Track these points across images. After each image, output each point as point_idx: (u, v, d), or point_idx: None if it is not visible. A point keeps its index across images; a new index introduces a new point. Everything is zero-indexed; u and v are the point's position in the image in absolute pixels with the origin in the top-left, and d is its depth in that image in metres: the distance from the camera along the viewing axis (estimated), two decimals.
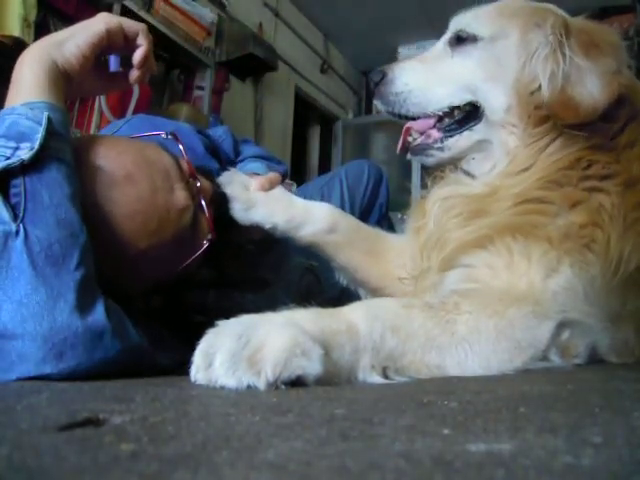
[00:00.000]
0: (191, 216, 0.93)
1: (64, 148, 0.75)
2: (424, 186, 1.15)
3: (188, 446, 0.32)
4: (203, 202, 0.97)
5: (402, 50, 5.23)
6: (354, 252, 1.14)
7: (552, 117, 0.90)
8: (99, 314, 0.70)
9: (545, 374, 0.74)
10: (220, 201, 1.05)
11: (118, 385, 0.64)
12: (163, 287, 0.98)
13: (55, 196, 0.70)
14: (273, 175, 1.18)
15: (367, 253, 1.15)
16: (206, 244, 0.97)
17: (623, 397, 0.56)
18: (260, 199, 1.10)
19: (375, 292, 1.16)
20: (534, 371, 0.75)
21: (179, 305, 1.04)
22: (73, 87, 0.84)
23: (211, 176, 1.08)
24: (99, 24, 0.84)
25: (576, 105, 0.86)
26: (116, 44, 0.87)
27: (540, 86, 0.91)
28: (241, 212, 1.08)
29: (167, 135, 1.02)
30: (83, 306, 0.68)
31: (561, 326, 0.79)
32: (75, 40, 0.82)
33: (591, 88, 0.86)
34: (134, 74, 0.91)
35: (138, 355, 0.78)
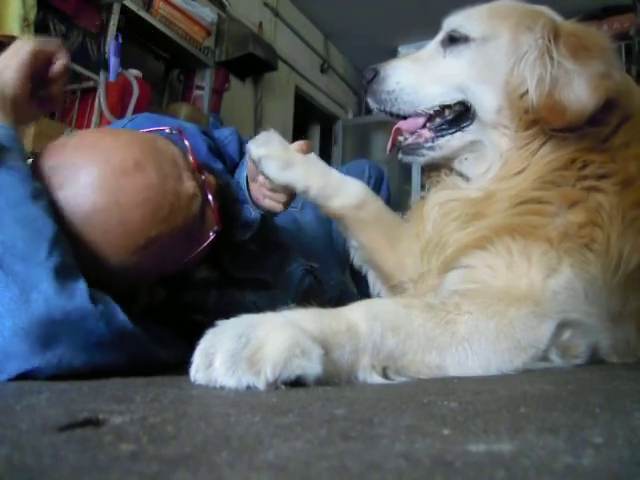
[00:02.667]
0: (199, 206, 0.93)
1: (13, 157, 0.77)
2: (424, 186, 1.15)
3: (188, 446, 0.32)
4: (209, 195, 0.98)
5: (402, 50, 5.24)
6: (376, 234, 1.14)
7: (540, 121, 0.90)
8: (78, 298, 0.71)
9: (545, 374, 0.74)
10: (224, 195, 1.05)
11: (118, 385, 0.64)
12: (168, 281, 0.98)
13: (11, 198, 0.72)
14: (308, 141, 1.18)
15: (387, 237, 1.15)
16: (212, 235, 0.97)
17: (624, 397, 0.55)
18: (298, 160, 1.09)
19: (387, 278, 1.16)
20: (534, 371, 0.75)
21: (179, 304, 1.04)
22: (19, 111, 0.86)
23: (214, 172, 1.08)
24: (23, 48, 0.85)
25: (563, 109, 0.86)
26: (43, 62, 0.89)
27: (528, 90, 0.91)
28: (277, 170, 1.07)
29: (172, 130, 1.03)
30: (59, 293, 0.69)
31: (562, 326, 0.79)
32: (10, 68, 0.84)
33: (579, 92, 0.85)
34: (55, 87, 0.93)
35: (134, 343, 0.78)
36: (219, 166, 1.29)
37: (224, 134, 1.48)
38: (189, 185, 0.91)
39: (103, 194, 0.80)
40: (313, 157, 1.13)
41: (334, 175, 1.12)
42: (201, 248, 0.96)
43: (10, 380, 0.67)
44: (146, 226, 0.83)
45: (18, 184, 0.74)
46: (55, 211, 0.77)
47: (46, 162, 0.83)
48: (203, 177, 0.98)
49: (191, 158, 0.97)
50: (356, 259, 1.21)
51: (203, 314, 1.01)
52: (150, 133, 0.98)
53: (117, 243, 0.81)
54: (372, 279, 1.21)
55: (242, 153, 1.48)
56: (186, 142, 1.00)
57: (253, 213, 1.25)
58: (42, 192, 0.77)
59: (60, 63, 0.91)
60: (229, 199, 1.09)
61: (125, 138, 0.88)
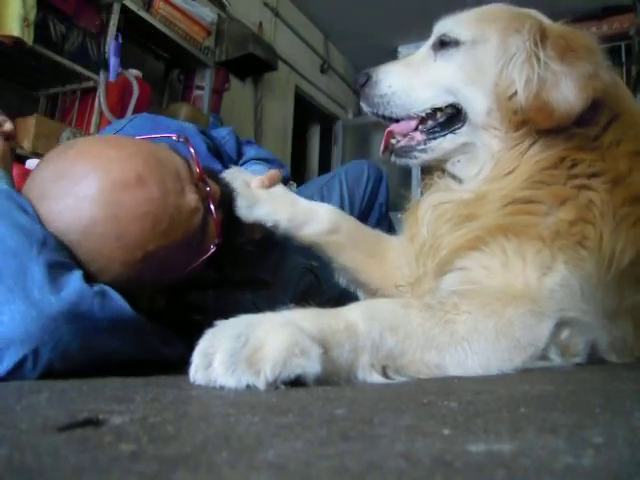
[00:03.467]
0: (201, 219, 0.93)
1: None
2: (421, 187, 1.16)
3: (188, 446, 0.32)
4: (212, 206, 0.97)
5: (402, 50, 5.24)
6: (355, 253, 1.14)
7: (527, 121, 0.91)
8: (72, 282, 0.72)
9: (545, 374, 0.74)
10: (228, 203, 1.06)
11: (118, 385, 0.64)
12: (167, 288, 0.98)
13: None
14: (273, 172, 1.17)
15: (368, 255, 1.15)
16: (213, 249, 0.97)
17: (624, 397, 0.55)
18: (263, 196, 1.10)
19: (375, 294, 1.16)
20: (534, 371, 0.75)
21: (178, 304, 1.04)
22: None
23: (218, 178, 1.08)
24: None
25: (551, 110, 0.87)
26: None
27: (517, 91, 0.92)
28: (244, 209, 1.08)
29: (179, 138, 1.02)
30: (52, 282, 0.71)
31: (560, 325, 0.79)
32: None
33: (566, 92, 0.86)
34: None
35: (133, 331, 0.79)
36: (218, 167, 1.29)
37: (221, 134, 1.48)
38: (191, 198, 0.90)
39: (102, 207, 0.80)
40: (278, 190, 1.13)
41: (302, 204, 1.12)
42: (201, 260, 0.96)
43: (10, 371, 0.68)
44: (145, 240, 0.83)
45: (4, 201, 0.77)
46: (52, 219, 0.78)
47: (47, 169, 0.83)
48: (208, 188, 0.97)
49: (196, 168, 0.97)
50: (341, 280, 1.21)
51: (203, 314, 1.01)
52: (155, 142, 0.97)
53: (114, 256, 0.81)
54: (362, 297, 1.22)
55: (240, 152, 1.48)
56: (191, 150, 0.99)
57: None
58: (28, 206, 0.79)
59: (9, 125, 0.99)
60: (229, 205, 1.09)
61: (128, 150, 0.87)
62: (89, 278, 0.77)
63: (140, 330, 0.81)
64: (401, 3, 4.65)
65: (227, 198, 1.06)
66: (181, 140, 1.02)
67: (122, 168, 0.83)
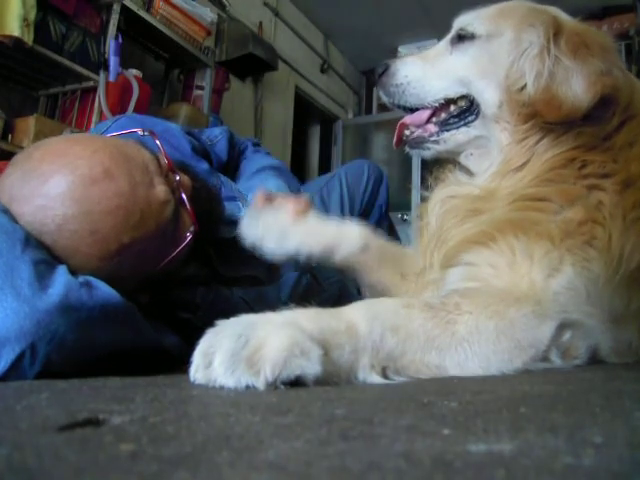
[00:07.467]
0: (172, 210, 0.94)
1: None
2: (424, 186, 1.16)
3: (188, 446, 0.32)
4: (184, 196, 0.98)
5: (402, 50, 5.24)
6: (385, 271, 1.14)
7: (535, 114, 0.92)
8: (59, 276, 0.74)
9: (545, 374, 0.74)
10: (201, 195, 1.06)
11: (118, 385, 0.64)
12: (151, 283, 0.99)
13: None
14: (301, 201, 1.14)
15: (397, 272, 1.15)
16: (189, 236, 0.98)
17: (624, 397, 0.55)
18: (293, 230, 1.08)
19: None
20: (534, 371, 0.75)
21: (165, 302, 1.05)
22: None
23: (191, 172, 1.09)
24: None
25: (559, 104, 0.88)
26: None
27: (526, 84, 0.93)
28: (275, 244, 1.07)
29: (144, 132, 1.03)
30: (40, 279, 0.72)
31: (562, 327, 0.79)
32: None
33: (575, 88, 0.87)
34: None
35: (124, 318, 0.79)
36: (204, 166, 1.29)
37: (214, 133, 1.47)
38: (160, 190, 0.91)
39: (72, 205, 0.81)
40: (309, 221, 1.10)
41: (330, 229, 1.10)
42: (179, 249, 0.97)
43: (9, 369, 0.68)
44: (118, 233, 0.84)
45: None
46: (25, 221, 0.79)
47: (15, 172, 0.84)
48: (177, 177, 0.98)
49: (165, 160, 0.97)
50: (370, 297, 1.19)
51: (191, 312, 1.01)
52: (121, 137, 0.98)
53: (89, 251, 0.82)
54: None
55: (233, 151, 1.48)
56: (158, 143, 1.00)
57: (242, 210, 1.25)
58: (6, 210, 0.79)
59: None
60: (209, 198, 1.09)
61: (93, 146, 0.87)
62: (70, 273, 0.78)
63: (132, 317, 0.82)
64: (401, 3, 4.64)
65: (199, 190, 1.06)
66: (146, 134, 1.03)
67: (89, 164, 0.83)
